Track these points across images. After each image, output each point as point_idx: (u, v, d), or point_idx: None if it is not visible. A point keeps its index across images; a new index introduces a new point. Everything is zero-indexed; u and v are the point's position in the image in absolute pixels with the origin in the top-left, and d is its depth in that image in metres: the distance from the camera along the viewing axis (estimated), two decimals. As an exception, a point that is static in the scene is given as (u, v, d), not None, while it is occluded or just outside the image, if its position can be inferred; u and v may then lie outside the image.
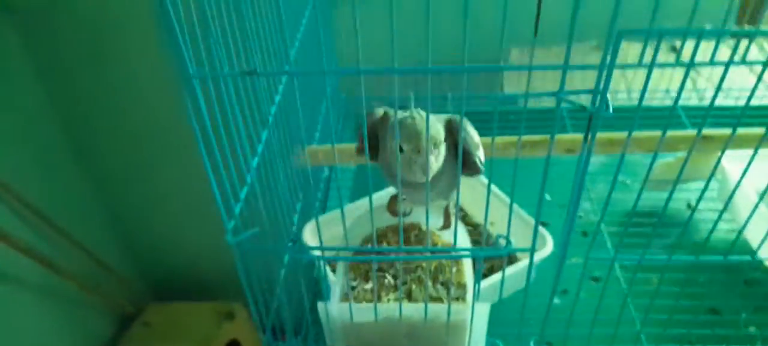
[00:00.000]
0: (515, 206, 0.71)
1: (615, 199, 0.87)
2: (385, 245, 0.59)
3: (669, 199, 0.51)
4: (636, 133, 0.71)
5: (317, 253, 0.46)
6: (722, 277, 0.73)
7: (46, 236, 1.24)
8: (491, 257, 0.51)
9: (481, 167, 0.53)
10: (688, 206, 0.84)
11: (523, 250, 0.47)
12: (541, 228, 0.67)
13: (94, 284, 1.33)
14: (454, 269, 0.56)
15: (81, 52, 1.20)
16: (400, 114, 0.49)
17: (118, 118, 1.31)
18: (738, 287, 0.72)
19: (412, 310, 0.50)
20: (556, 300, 0.72)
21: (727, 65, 0.38)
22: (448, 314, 0.49)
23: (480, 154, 0.54)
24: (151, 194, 1.47)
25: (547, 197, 0.85)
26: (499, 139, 0.69)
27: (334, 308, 0.51)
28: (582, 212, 0.84)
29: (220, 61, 0.41)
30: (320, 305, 0.50)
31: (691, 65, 0.38)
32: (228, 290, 1.47)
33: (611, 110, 0.38)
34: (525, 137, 0.69)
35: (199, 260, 1.59)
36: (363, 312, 0.50)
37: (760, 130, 0.72)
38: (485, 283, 0.64)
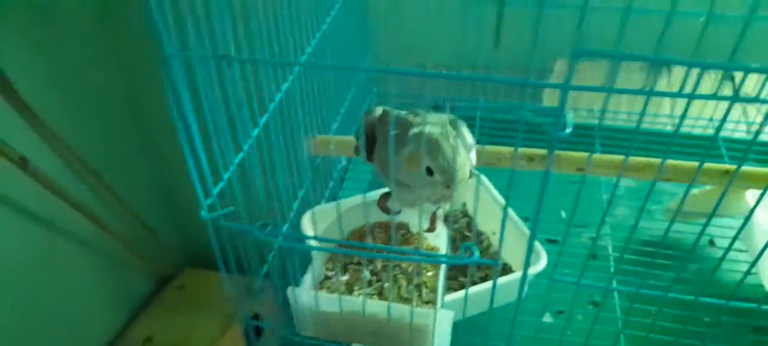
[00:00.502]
0: (517, 220, 0.70)
1: (638, 226, 0.85)
2: (370, 240, 0.60)
3: (667, 230, 0.49)
4: (642, 160, 0.68)
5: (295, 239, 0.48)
6: (730, 320, 0.69)
7: (98, 195, 1.32)
8: (455, 265, 0.51)
9: (473, 170, 0.54)
10: (711, 242, 0.80)
11: (488, 262, 0.47)
12: (536, 244, 0.66)
13: (136, 244, 1.41)
14: (429, 273, 0.56)
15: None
16: (417, 122, 0.50)
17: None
18: (745, 334, 0.68)
19: (378, 307, 0.51)
20: (549, 319, 0.72)
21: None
22: (411, 316, 0.50)
23: (472, 156, 0.54)
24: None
25: (563, 214, 0.83)
26: (493, 149, 0.68)
27: (303, 296, 0.52)
28: (595, 233, 0.82)
29: (213, 43, 0.43)
30: (289, 290, 0.52)
31: (650, 93, 0.37)
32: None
33: (569, 131, 0.38)
34: (525, 150, 0.68)
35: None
36: (330, 302, 0.52)
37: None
38: (473, 290, 0.64)
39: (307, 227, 0.69)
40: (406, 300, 0.54)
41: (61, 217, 1.22)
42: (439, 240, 0.59)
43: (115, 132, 1.39)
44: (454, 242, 0.75)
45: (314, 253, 0.57)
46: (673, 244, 0.78)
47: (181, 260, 1.65)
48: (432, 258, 0.51)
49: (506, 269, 0.71)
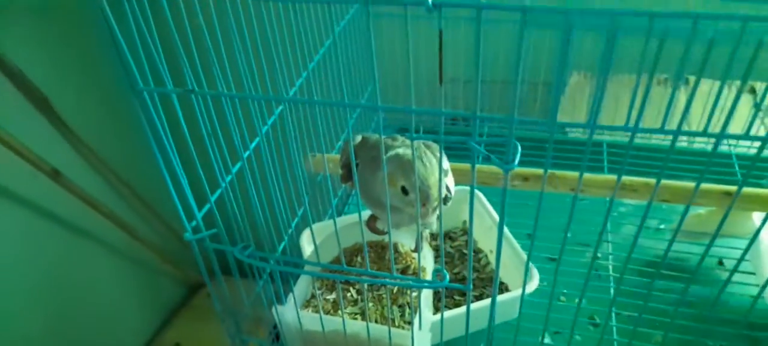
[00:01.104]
0: (512, 239, 0.70)
1: (643, 246, 0.83)
2: (359, 259, 0.61)
3: (669, 249, 0.48)
4: (638, 180, 0.67)
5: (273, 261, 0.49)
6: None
7: (130, 204, 1.37)
8: (415, 288, 0.52)
9: (449, 195, 0.54)
10: (720, 262, 0.78)
11: (459, 287, 0.47)
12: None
13: (167, 252, 1.46)
14: (414, 294, 0.57)
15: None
16: (399, 146, 0.52)
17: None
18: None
19: (358, 327, 0.52)
20: (547, 340, 0.71)
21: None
22: (390, 337, 0.51)
23: (447, 182, 0.54)
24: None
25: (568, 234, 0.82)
26: (485, 168, 0.68)
27: (287, 314, 0.53)
28: (600, 252, 0.81)
29: (191, 78, 0.45)
30: (274, 308, 0.54)
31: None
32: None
33: (516, 162, 0.37)
34: (520, 170, 0.68)
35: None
36: (313, 322, 0.53)
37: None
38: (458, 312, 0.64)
39: (306, 244, 0.70)
40: (390, 321, 0.55)
41: (94, 226, 1.27)
42: (426, 260, 0.60)
43: (146, 143, 1.43)
44: (452, 260, 0.76)
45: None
46: (679, 265, 0.76)
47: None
48: (404, 282, 0.51)
49: (503, 289, 0.71)
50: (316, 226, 0.69)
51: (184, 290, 1.60)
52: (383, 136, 0.55)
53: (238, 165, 0.54)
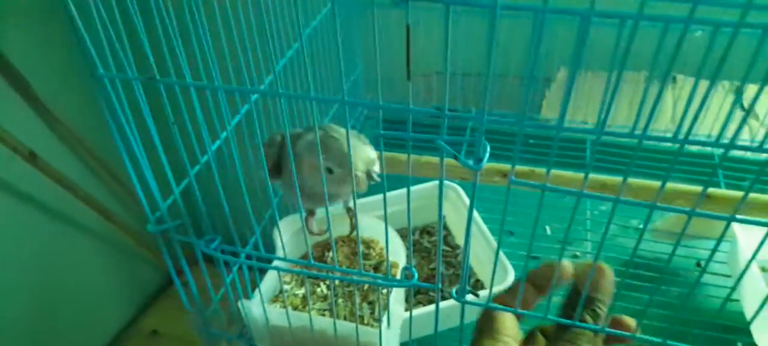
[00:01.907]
0: (488, 235, 0.69)
1: (620, 245, 0.83)
2: (330, 255, 0.60)
3: (636, 248, 0.48)
4: (606, 179, 0.66)
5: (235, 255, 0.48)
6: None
7: (110, 188, 1.35)
8: (387, 286, 0.51)
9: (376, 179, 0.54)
10: (697, 264, 0.78)
11: (429, 286, 0.46)
12: (504, 260, 0.65)
13: (146, 238, 1.44)
14: (384, 291, 0.56)
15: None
16: (311, 134, 0.52)
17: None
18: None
19: (326, 324, 0.51)
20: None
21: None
22: (357, 334, 0.50)
23: (375, 168, 0.54)
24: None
25: (547, 230, 0.82)
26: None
27: (253, 309, 0.52)
28: (580, 252, 0.80)
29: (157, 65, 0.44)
30: (240, 302, 0.52)
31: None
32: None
33: (484, 161, 0.36)
34: (497, 166, 0.67)
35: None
36: (279, 317, 0.52)
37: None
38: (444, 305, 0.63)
39: (278, 237, 0.69)
40: (359, 318, 0.54)
41: (72, 209, 1.25)
42: (399, 256, 0.59)
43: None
44: (429, 255, 0.75)
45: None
46: (657, 266, 0.76)
47: (190, 255, 1.68)
48: (372, 281, 0.50)
49: (479, 286, 0.70)
50: (290, 218, 0.68)
51: (162, 277, 1.59)
52: (289, 131, 0.55)
53: (205, 157, 0.53)
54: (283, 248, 0.49)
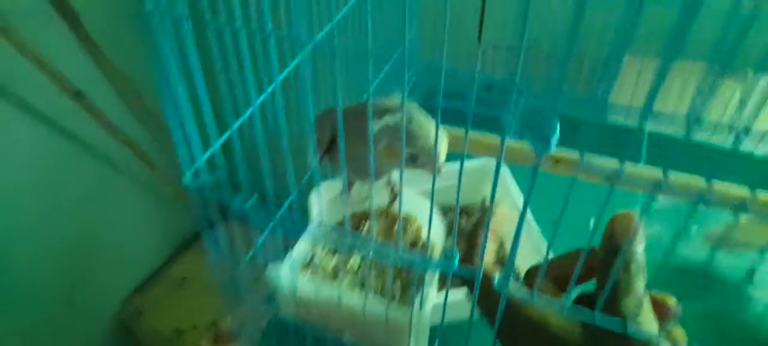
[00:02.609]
0: (533, 225, 0.65)
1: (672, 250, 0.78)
2: (367, 224, 0.58)
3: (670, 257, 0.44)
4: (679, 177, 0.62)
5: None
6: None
7: (153, 133, 1.35)
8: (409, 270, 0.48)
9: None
10: (749, 275, 0.72)
11: (466, 274, 0.43)
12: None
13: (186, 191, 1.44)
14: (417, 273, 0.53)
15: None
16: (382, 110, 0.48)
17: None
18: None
19: (354, 300, 0.49)
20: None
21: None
22: (387, 314, 0.47)
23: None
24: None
25: (592, 222, 0.77)
26: (516, 145, 0.64)
27: (282, 276, 0.50)
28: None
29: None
30: (269, 268, 0.50)
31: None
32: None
33: (552, 147, 0.33)
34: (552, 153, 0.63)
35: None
36: (307, 288, 0.50)
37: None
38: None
39: (315, 202, 0.67)
40: (390, 296, 0.52)
41: (112, 151, 1.26)
42: (437, 235, 0.56)
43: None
44: (465, 238, 0.72)
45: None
46: (708, 274, 0.71)
47: (224, 209, 1.68)
48: (408, 260, 0.47)
49: (517, 278, 0.67)
50: (328, 183, 0.66)
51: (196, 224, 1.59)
52: (354, 104, 0.51)
53: (248, 111, 0.50)
54: (321, 215, 0.47)
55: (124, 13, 1.20)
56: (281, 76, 0.52)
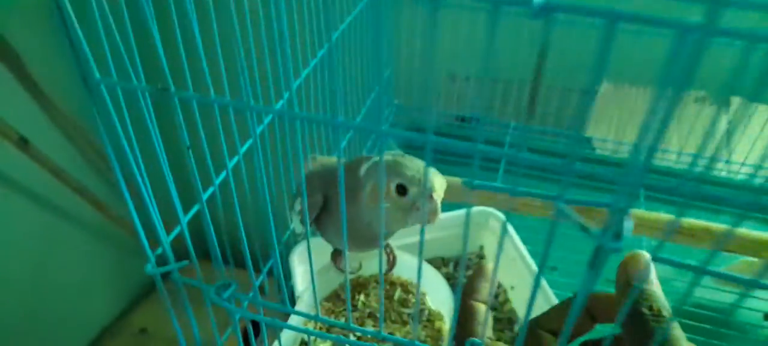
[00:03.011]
0: (534, 270, 0.59)
1: (677, 290, 0.73)
2: (361, 298, 0.50)
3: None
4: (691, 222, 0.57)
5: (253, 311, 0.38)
6: None
7: (105, 178, 1.25)
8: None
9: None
10: (766, 316, 0.68)
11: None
12: (550, 297, 0.55)
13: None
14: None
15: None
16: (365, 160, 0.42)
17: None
18: None
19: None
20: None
21: None
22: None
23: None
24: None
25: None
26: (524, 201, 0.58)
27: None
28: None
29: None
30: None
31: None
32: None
33: (622, 244, 0.26)
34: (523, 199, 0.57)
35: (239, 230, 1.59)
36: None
37: None
38: None
39: (297, 263, 0.59)
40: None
41: (64, 200, 1.15)
42: (443, 298, 0.49)
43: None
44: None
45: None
46: (719, 318, 0.66)
47: (185, 251, 1.58)
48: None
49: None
50: (300, 247, 0.59)
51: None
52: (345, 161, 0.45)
53: (221, 176, 0.43)
54: (316, 302, 0.39)
55: (70, 53, 1.10)
56: (245, 145, 0.45)
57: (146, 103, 0.32)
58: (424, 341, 0.46)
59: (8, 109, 0.96)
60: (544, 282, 0.59)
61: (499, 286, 0.65)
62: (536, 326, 0.34)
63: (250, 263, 0.42)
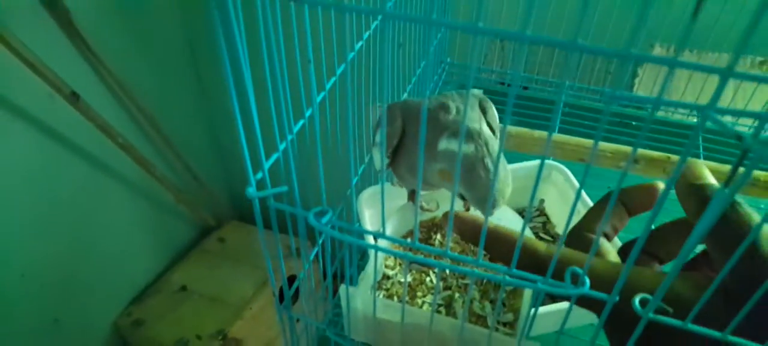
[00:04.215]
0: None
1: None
2: (438, 237, 0.49)
3: None
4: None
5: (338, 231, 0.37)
6: None
7: (150, 138, 1.25)
8: (551, 295, 0.39)
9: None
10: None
11: (597, 295, 0.35)
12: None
13: (182, 192, 1.34)
14: (509, 288, 0.45)
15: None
16: (448, 122, 0.40)
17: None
18: None
19: (448, 326, 0.40)
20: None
21: None
22: (489, 344, 0.39)
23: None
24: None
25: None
26: (571, 140, 0.56)
27: (359, 298, 0.42)
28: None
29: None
30: (342, 289, 0.42)
31: None
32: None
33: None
34: (640, 152, 0.56)
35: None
36: (390, 310, 0.41)
37: None
38: (544, 309, 0.51)
39: (365, 207, 0.58)
40: (480, 318, 0.43)
41: (110, 157, 1.15)
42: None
43: (172, 76, 1.30)
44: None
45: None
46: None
47: (226, 212, 1.58)
48: (516, 281, 0.39)
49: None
50: (370, 190, 0.58)
51: (194, 232, 1.49)
52: (428, 100, 0.43)
53: (309, 111, 0.42)
54: (383, 225, 0.38)
55: (118, 14, 1.10)
56: (354, 50, 0.43)
57: (266, 12, 0.30)
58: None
59: (60, 64, 0.96)
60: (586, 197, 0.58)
61: (557, 237, 0.63)
62: (581, 229, 0.34)
63: (325, 198, 0.41)
